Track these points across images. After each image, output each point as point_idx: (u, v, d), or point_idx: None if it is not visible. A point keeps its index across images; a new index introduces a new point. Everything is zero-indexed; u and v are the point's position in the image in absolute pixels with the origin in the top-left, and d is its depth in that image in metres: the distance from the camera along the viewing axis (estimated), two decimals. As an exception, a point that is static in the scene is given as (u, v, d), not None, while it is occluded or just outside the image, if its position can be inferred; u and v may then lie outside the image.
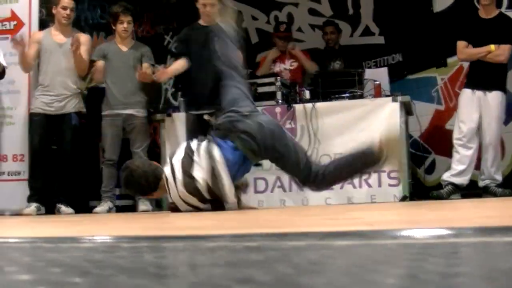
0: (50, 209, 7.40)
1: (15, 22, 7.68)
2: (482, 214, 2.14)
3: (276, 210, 4.19)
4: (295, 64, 8.21)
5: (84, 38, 7.49)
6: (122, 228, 2.23)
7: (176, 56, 7.31)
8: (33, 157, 7.33)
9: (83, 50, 7.34)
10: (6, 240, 1.86)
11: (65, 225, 3.07)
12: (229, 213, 3.90)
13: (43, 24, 7.90)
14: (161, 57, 8.87)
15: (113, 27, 7.50)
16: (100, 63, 7.40)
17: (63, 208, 7.28)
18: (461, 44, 6.99)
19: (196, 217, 3.39)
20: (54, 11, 7.43)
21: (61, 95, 7.29)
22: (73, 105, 7.35)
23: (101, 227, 2.45)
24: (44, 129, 7.29)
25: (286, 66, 8.12)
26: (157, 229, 2.14)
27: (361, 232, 1.46)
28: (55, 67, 7.30)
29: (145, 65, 7.40)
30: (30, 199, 7.24)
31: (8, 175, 7.55)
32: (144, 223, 2.66)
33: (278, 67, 8.17)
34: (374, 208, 3.67)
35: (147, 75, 7.23)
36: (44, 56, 7.34)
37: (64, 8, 7.34)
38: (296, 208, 4.20)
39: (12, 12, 7.69)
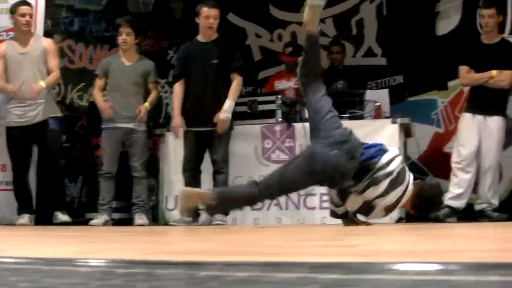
0: (44, 218, 7.38)
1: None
2: (477, 246, 2.15)
3: (275, 231, 4.19)
4: None
5: (46, 43, 7.41)
6: (121, 249, 2.24)
7: (176, 76, 7.31)
8: (16, 170, 7.31)
9: (50, 59, 7.29)
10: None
11: (64, 242, 3.08)
12: (231, 233, 3.91)
13: (49, 34, 7.92)
14: (164, 72, 8.89)
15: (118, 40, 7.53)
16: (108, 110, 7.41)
17: (60, 215, 7.28)
18: (463, 69, 7.01)
19: (195, 237, 3.40)
20: (12, 19, 7.34)
21: (33, 104, 7.24)
22: (48, 111, 7.33)
23: (100, 247, 2.46)
24: (23, 141, 7.27)
25: (291, 84, 8.14)
26: (154, 251, 2.16)
27: (352, 265, 1.47)
28: (22, 77, 7.21)
29: (151, 84, 7.47)
30: (21, 211, 7.23)
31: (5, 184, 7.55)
32: (143, 243, 2.67)
33: (283, 85, 8.19)
34: (371, 231, 3.69)
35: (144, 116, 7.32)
36: (10, 67, 7.27)
37: (23, 15, 7.24)
38: (294, 230, 4.21)
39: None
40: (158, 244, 2.51)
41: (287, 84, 8.14)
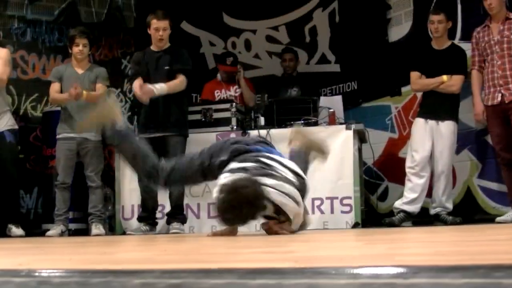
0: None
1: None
2: (417, 251, 2.19)
3: (223, 239, 4.20)
4: (240, 91, 8.23)
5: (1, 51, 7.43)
6: (61, 261, 2.25)
7: (132, 77, 7.32)
8: None
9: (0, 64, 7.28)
10: None
11: (9, 254, 3.07)
12: (180, 242, 3.92)
13: (1, 45, 7.88)
14: (118, 81, 8.88)
15: (70, 50, 7.48)
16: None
17: (14, 229, 7.24)
18: (414, 75, 7.10)
19: (143, 246, 3.41)
20: None
21: None
22: (4, 123, 7.30)
23: (44, 258, 2.46)
24: None
25: (232, 93, 8.17)
26: (94, 261, 2.17)
27: (278, 270, 1.50)
28: None
29: (98, 85, 7.42)
30: None
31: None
32: (86, 253, 2.68)
33: (224, 94, 8.20)
34: (317, 238, 3.72)
35: (89, 96, 7.22)
36: None
37: None
38: (243, 238, 4.22)
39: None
40: (103, 254, 2.52)
41: (229, 93, 8.17)
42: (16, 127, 7.44)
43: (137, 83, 6.94)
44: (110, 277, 1.54)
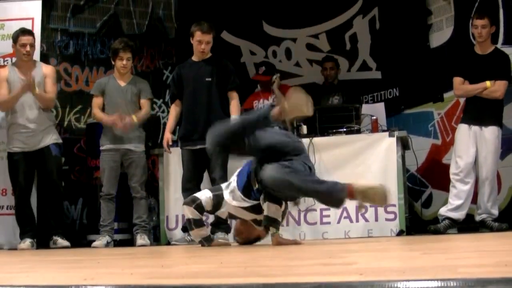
0: (44, 242, 7.41)
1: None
2: (477, 261, 2.17)
3: (274, 249, 4.21)
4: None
5: (47, 69, 7.52)
6: (123, 275, 2.26)
7: (171, 100, 7.39)
8: (19, 195, 7.33)
9: (49, 83, 7.38)
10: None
11: (65, 268, 3.10)
12: (232, 252, 3.93)
13: (44, 58, 7.97)
14: (160, 92, 8.95)
15: (113, 62, 7.54)
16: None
17: (59, 240, 7.31)
18: (457, 81, 7.04)
19: (196, 258, 3.42)
20: (13, 48, 7.43)
21: (36, 130, 7.32)
22: (49, 138, 7.38)
23: (103, 271, 2.48)
24: (26, 166, 7.32)
25: (270, 102, 8.17)
26: (157, 275, 2.18)
27: (350, 284, 1.50)
28: (25, 103, 7.30)
29: (143, 101, 7.50)
30: (23, 235, 7.26)
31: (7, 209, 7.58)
32: (144, 266, 2.69)
33: (262, 104, 8.22)
34: (370, 247, 3.71)
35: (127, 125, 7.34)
36: (12, 92, 7.33)
37: (23, 45, 7.31)
38: (293, 248, 4.23)
39: (14, 48, 7.72)
40: (160, 267, 2.53)
41: (266, 102, 8.18)
42: (60, 140, 7.53)
43: (167, 138, 7.26)
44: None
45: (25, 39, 7.32)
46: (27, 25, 7.70)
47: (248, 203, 5.36)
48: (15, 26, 7.61)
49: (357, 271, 1.84)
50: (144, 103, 7.53)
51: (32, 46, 7.38)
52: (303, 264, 2.29)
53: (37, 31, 7.78)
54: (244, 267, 2.31)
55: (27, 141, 7.30)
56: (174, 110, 7.25)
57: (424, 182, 8.22)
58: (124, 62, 7.41)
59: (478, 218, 6.94)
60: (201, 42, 7.02)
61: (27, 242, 7.18)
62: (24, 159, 7.30)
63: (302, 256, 2.85)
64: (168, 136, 7.20)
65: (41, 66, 7.54)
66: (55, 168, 7.41)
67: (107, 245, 7.24)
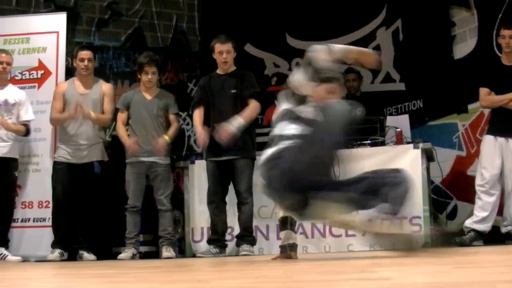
0: (73, 255, 7.47)
1: (42, 71, 7.83)
2: (506, 277, 2.18)
3: (304, 262, 4.22)
4: None
5: (105, 87, 7.62)
6: None
7: (194, 104, 7.38)
8: (57, 204, 7.41)
9: (106, 102, 7.49)
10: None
11: (96, 283, 3.12)
12: (268, 267, 3.94)
13: (70, 72, 8.05)
14: (184, 105, 8.98)
15: (138, 76, 7.60)
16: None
17: (85, 254, 7.37)
18: (483, 91, 7.01)
19: (230, 273, 3.43)
20: (74, 63, 7.58)
21: (84, 145, 7.41)
22: (95, 154, 7.47)
23: (143, 286, 2.50)
24: (67, 177, 7.40)
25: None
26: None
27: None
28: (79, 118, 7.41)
29: (171, 117, 7.56)
30: (54, 245, 7.34)
31: (34, 221, 7.65)
32: (180, 281, 2.71)
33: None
34: (400, 261, 3.71)
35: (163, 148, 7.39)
36: (68, 106, 7.45)
37: (82, 60, 7.45)
38: (324, 261, 4.24)
39: (40, 62, 7.84)
40: (197, 281, 2.55)
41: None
42: (106, 158, 7.66)
43: (201, 133, 7.07)
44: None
45: (83, 53, 7.48)
46: (52, 39, 7.81)
47: None
48: (40, 40, 7.74)
49: (395, 287, 1.85)
50: (173, 118, 7.57)
51: (90, 60, 7.52)
52: (340, 279, 2.30)
53: (62, 45, 7.89)
54: (282, 282, 2.32)
55: (73, 153, 7.43)
56: (199, 115, 7.23)
57: (448, 194, 8.20)
58: (150, 76, 7.47)
59: (504, 230, 6.91)
60: (221, 53, 7.10)
61: (56, 253, 7.26)
62: (67, 170, 7.41)
63: (335, 271, 2.86)
64: (201, 130, 7.09)
65: (101, 83, 7.65)
66: (94, 185, 7.48)
67: (133, 257, 7.27)
